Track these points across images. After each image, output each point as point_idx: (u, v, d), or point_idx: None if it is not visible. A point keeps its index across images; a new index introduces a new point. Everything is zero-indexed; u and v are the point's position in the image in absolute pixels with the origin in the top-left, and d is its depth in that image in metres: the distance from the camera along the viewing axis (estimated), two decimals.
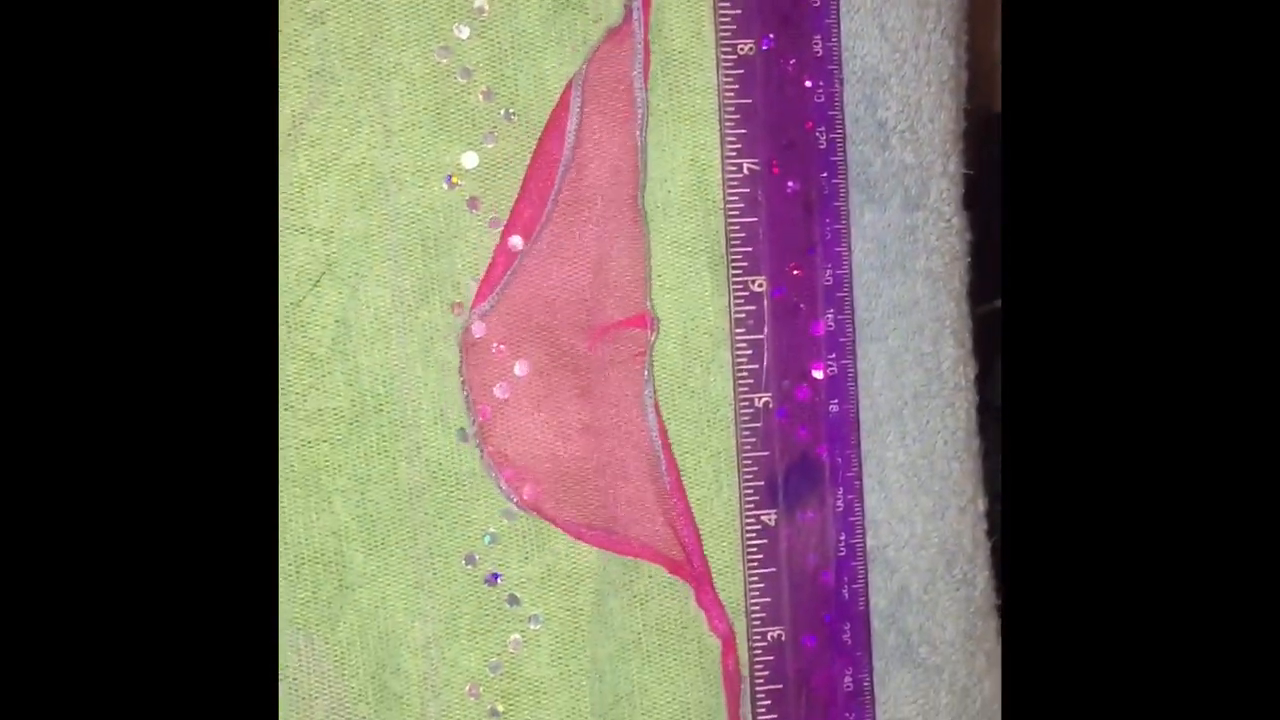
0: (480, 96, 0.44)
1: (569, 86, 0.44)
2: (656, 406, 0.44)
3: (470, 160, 0.43)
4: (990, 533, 0.51)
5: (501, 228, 0.44)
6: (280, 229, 0.42)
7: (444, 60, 0.43)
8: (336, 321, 0.43)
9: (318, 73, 0.42)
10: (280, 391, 0.42)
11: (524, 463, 0.44)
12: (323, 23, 0.42)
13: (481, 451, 0.43)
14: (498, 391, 0.44)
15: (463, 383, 0.43)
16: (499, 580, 0.44)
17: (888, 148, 0.47)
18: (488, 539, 0.44)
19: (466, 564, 0.43)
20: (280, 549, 0.42)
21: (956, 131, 0.49)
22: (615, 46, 0.44)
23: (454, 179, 0.43)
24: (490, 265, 0.44)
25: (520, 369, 0.44)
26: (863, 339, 0.47)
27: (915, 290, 0.48)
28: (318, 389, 0.43)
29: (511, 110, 0.44)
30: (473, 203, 0.44)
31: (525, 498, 0.44)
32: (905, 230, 0.48)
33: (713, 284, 0.45)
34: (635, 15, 0.44)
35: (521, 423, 0.44)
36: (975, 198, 0.50)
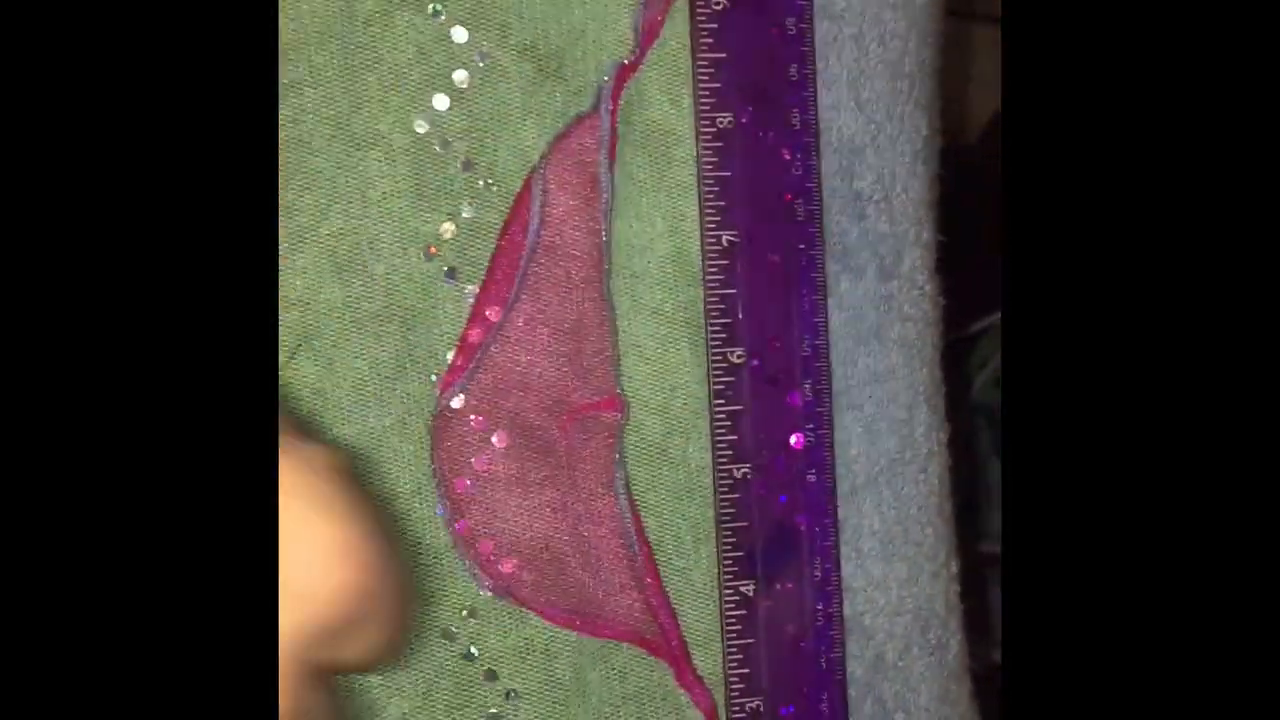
0: (459, 167, 0.43)
1: (531, 172, 0.44)
2: (628, 489, 0.44)
3: (448, 230, 0.43)
4: (964, 595, 0.51)
5: (472, 292, 0.43)
6: None
7: (423, 130, 0.43)
8: (313, 393, 0.42)
9: (295, 141, 0.42)
10: None
11: (503, 537, 0.43)
12: (300, 92, 0.42)
13: (452, 534, 0.43)
14: (476, 463, 0.43)
15: (433, 459, 0.43)
16: (476, 655, 0.43)
17: (864, 217, 0.47)
18: (465, 614, 0.43)
19: (444, 639, 0.43)
20: None
21: (930, 199, 0.49)
22: (583, 133, 0.44)
23: (432, 249, 0.43)
24: (464, 335, 0.43)
25: (498, 440, 0.43)
26: (839, 407, 0.47)
27: (890, 358, 0.48)
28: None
29: (490, 180, 0.44)
30: (451, 273, 0.43)
31: (504, 571, 0.43)
32: (881, 299, 0.48)
33: (691, 354, 0.45)
34: (604, 103, 0.44)
35: (500, 495, 0.43)
36: (947, 264, 0.51)
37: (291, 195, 0.42)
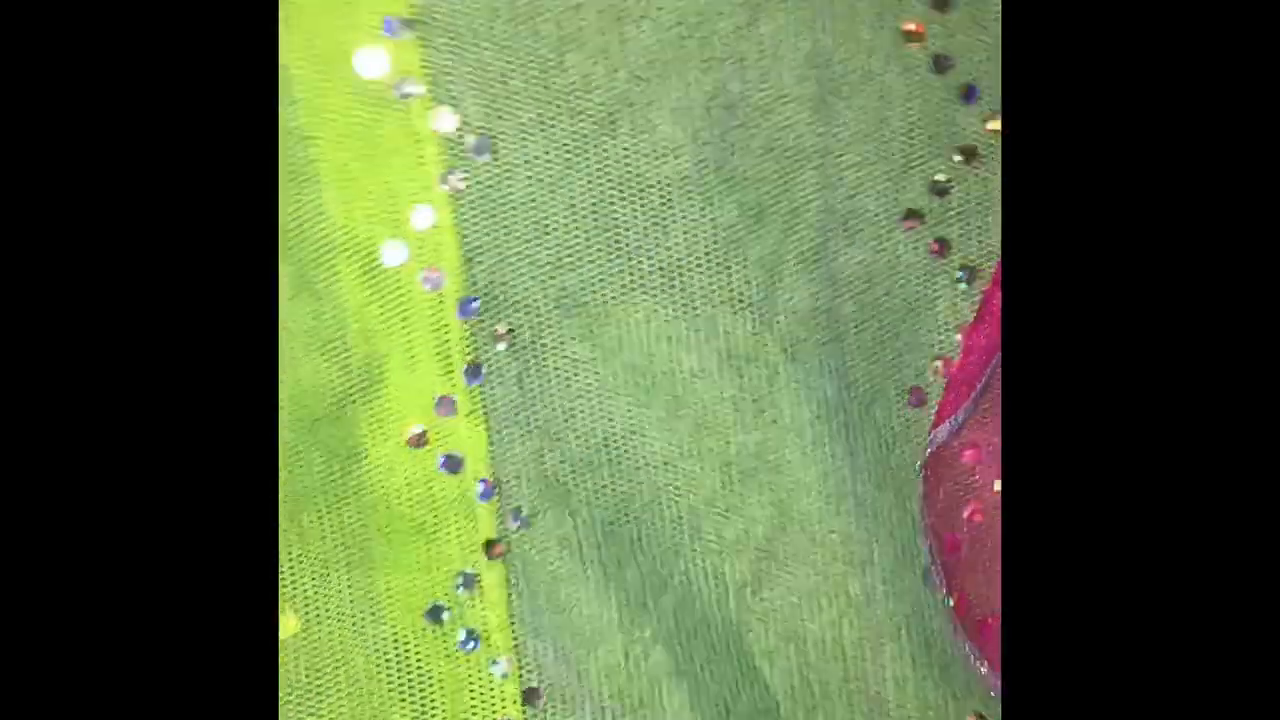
0: (956, 95, 0.30)
1: None
2: None
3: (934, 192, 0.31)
4: None
5: (979, 284, 0.31)
6: None
7: (914, 48, 0.30)
8: (768, 423, 0.30)
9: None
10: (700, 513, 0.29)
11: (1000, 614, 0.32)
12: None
13: (948, 603, 0.31)
14: (969, 514, 0.31)
15: (923, 510, 0.31)
16: None
17: None
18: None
19: None
20: None
21: None
22: None
23: (917, 218, 0.30)
24: (966, 341, 0.31)
25: (1000, 485, 0.31)
26: None
27: None
28: (736, 513, 0.30)
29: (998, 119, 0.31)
30: (942, 248, 0.31)
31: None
32: None
33: None
34: None
35: (996, 561, 0.32)
36: None
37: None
